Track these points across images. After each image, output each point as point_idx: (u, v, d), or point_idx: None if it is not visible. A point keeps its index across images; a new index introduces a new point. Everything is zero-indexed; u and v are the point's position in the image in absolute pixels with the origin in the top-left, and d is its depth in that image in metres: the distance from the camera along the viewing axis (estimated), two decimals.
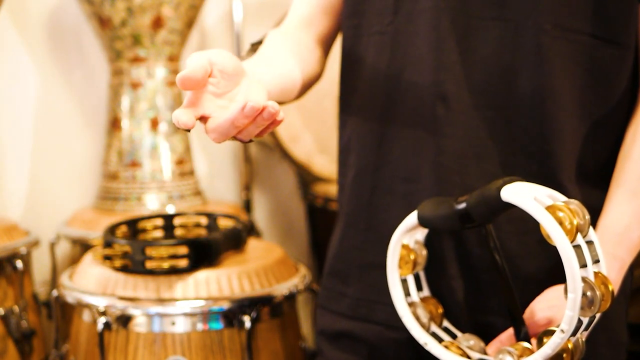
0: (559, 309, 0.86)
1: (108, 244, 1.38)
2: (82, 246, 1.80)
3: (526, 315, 0.88)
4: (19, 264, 1.63)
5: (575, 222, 0.75)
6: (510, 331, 0.89)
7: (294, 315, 1.49)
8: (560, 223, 0.75)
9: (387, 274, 0.91)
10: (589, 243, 0.78)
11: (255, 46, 0.99)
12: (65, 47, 2.10)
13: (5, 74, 2.03)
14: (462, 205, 0.83)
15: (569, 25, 0.93)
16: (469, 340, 0.91)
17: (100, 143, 2.07)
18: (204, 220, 1.60)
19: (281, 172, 2.36)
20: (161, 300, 1.33)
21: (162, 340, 1.33)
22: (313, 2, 1.09)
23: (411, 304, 0.92)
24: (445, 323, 0.95)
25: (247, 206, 2.23)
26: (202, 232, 1.58)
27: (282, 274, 1.44)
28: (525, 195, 0.77)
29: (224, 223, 1.56)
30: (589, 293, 0.75)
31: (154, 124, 1.92)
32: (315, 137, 2.18)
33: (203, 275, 1.36)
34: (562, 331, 0.76)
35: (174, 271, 1.34)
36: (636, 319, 1.82)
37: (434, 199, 0.88)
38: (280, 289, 1.40)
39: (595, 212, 0.93)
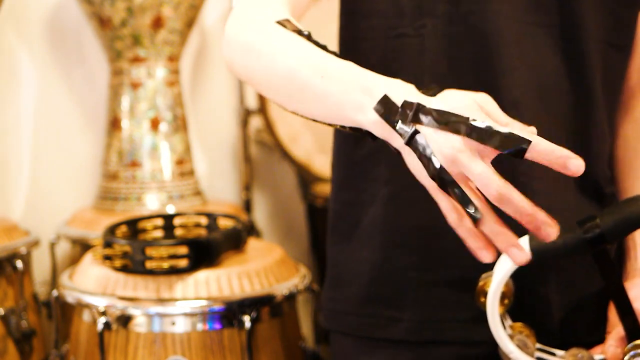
0: None
1: (108, 244, 1.38)
2: (82, 246, 1.80)
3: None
4: (19, 264, 1.63)
5: None
6: (619, 333, 0.89)
7: (294, 315, 1.49)
8: None
9: (489, 315, 0.86)
10: None
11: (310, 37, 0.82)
12: (65, 47, 2.10)
13: (5, 74, 2.03)
14: (597, 231, 0.82)
15: (599, 35, 0.96)
16: (576, 355, 0.90)
17: (100, 143, 2.07)
18: (204, 220, 1.59)
19: (281, 172, 2.36)
20: (161, 300, 1.33)
21: (162, 340, 1.33)
22: None
23: (510, 337, 0.88)
24: (537, 344, 0.92)
25: (247, 206, 2.23)
26: (202, 232, 1.58)
27: (282, 274, 1.44)
28: None
29: (224, 223, 1.56)
30: None
31: (154, 124, 1.92)
32: (315, 137, 2.18)
33: (203, 275, 1.35)
34: None
35: (174, 271, 1.34)
36: None
37: None
38: (280, 289, 1.40)
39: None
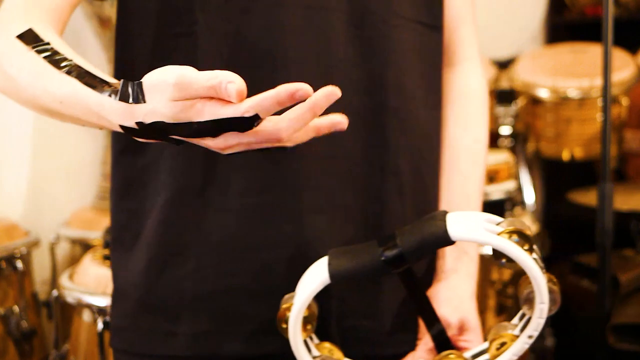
0: (466, 309, 0.89)
1: (108, 244, 1.38)
2: (82, 246, 1.80)
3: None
4: (19, 264, 1.63)
5: (531, 241, 0.75)
6: (427, 344, 0.87)
7: None
8: (521, 245, 0.74)
9: (291, 342, 0.80)
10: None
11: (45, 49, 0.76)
12: None
13: None
14: (396, 251, 0.76)
15: (404, 14, 0.91)
16: None
17: (100, 143, 2.07)
18: None
19: None
20: None
21: None
22: None
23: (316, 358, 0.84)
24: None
25: None
26: None
27: None
28: (475, 229, 0.75)
29: None
30: (552, 295, 0.77)
31: None
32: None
33: None
34: (530, 337, 0.78)
35: None
36: (636, 319, 1.82)
37: (340, 250, 0.79)
38: None
39: (429, 201, 0.95)
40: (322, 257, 0.80)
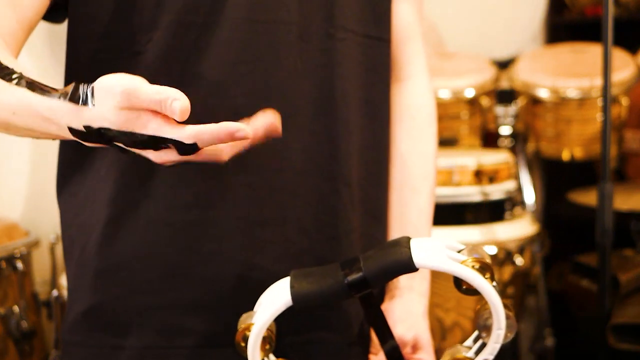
0: (420, 327, 0.91)
1: None
2: None
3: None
4: (19, 264, 1.63)
5: (491, 269, 0.77)
6: None
7: None
8: (482, 274, 0.76)
9: None
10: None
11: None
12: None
13: None
14: (359, 275, 0.77)
15: (350, 27, 0.92)
16: None
17: None
18: None
19: None
20: None
21: None
22: (13, 17, 0.88)
23: None
24: None
25: None
26: None
27: None
28: (439, 257, 0.76)
29: None
30: (509, 321, 0.79)
31: None
32: None
33: None
34: None
35: None
36: (636, 319, 1.82)
37: (302, 272, 0.80)
38: None
39: (379, 212, 0.96)
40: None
